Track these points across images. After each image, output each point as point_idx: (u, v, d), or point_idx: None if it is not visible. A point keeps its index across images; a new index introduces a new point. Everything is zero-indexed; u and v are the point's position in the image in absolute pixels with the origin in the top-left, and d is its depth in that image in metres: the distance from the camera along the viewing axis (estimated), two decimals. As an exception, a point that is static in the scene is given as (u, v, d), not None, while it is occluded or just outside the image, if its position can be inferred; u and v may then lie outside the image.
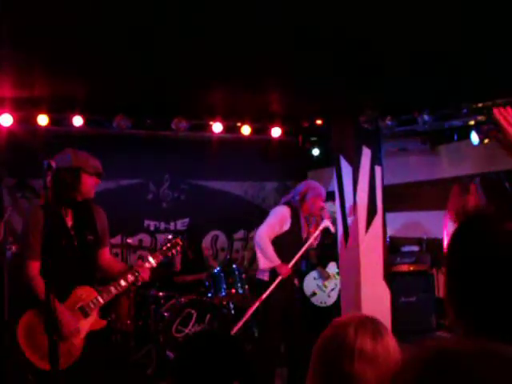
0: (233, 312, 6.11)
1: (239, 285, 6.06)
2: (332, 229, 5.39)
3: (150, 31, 3.53)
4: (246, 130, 6.42)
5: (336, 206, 5.74)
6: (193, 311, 5.66)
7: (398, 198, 6.64)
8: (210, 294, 5.98)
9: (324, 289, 6.88)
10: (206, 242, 7.62)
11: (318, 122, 6.54)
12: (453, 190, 5.54)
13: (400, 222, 6.84)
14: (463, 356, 0.71)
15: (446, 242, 5.43)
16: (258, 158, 7.48)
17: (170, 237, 4.07)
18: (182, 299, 5.69)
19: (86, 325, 3.46)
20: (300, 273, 6.45)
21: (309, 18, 3.32)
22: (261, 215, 7.80)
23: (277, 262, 5.02)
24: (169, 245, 3.93)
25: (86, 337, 3.46)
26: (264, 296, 4.96)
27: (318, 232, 5.23)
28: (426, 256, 6.43)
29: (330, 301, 6.81)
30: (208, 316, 5.70)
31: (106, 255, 3.79)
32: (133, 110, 5.76)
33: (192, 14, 3.23)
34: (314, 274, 6.94)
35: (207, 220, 7.48)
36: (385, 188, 5.78)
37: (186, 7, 3.14)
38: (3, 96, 5.05)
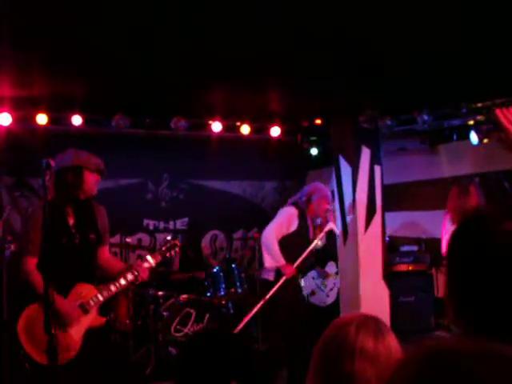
0: (232, 311, 6.11)
1: (238, 284, 6.05)
2: (337, 231, 5.41)
3: (150, 31, 3.53)
4: (245, 129, 6.42)
5: (335, 206, 5.74)
6: (192, 310, 5.66)
7: (397, 197, 6.64)
8: (209, 294, 5.98)
9: (323, 288, 6.88)
10: (206, 241, 7.62)
11: (318, 121, 6.54)
12: (452, 190, 5.55)
13: (399, 222, 6.85)
14: (463, 356, 0.71)
15: (444, 243, 5.44)
16: (257, 157, 7.48)
17: (168, 238, 4.09)
18: (181, 299, 5.69)
19: (85, 322, 3.49)
20: (303, 273, 6.47)
21: (309, 18, 3.32)
22: (260, 215, 7.83)
23: (282, 261, 5.04)
24: (168, 245, 3.95)
25: (85, 333, 3.49)
26: (268, 296, 4.97)
27: (322, 233, 5.25)
28: (425, 256, 6.43)
29: (329, 300, 6.80)
30: (207, 315, 5.70)
31: (106, 254, 3.82)
32: (132, 110, 5.75)
33: (192, 13, 3.23)
34: (313, 273, 6.94)
35: (206, 219, 7.47)
36: (384, 187, 5.78)
37: (185, 7, 3.14)
38: (2, 95, 5.05)
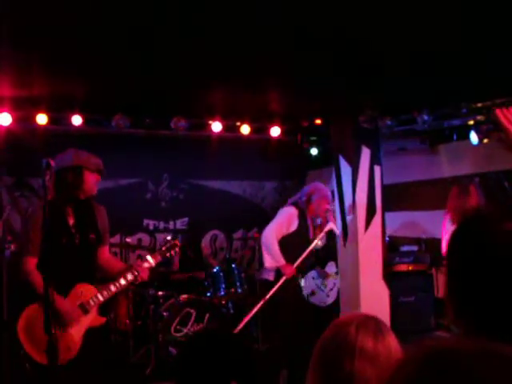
0: (232, 311, 6.11)
1: (238, 284, 6.06)
2: (337, 231, 5.42)
3: (150, 31, 3.53)
4: (245, 129, 6.42)
5: (335, 206, 5.74)
6: (192, 311, 5.66)
7: (397, 197, 6.64)
8: (209, 294, 5.98)
9: (323, 288, 6.87)
10: (206, 241, 7.62)
11: (318, 121, 6.54)
12: (452, 191, 5.55)
13: (399, 222, 6.85)
14: (463, 356, 0.71)
15: (444, 243, 5.44)
16: (257, 157, 7.47)
17: (168, 238, 4.09)
18: (181, 299, 5.69)
19: (85, 321, 3.50)
20: (304, 273, 6.47)
21: (309, 18, 3.32)
22: (260, 215, 7.82)
23: (282, 261, 5.04)
24: (168, 245, 3.96)
25: (85, 333, 3.49)
26: (268, 296, 4.97)
27: (322, 233, 5.25)
28: (425, 256, 6.43)
29: (329, 300, 6.79)
30: (207, 315, 5.70)
31: (106, 254, 3.82)
32: (132, 109, 5.75)
33: (192, 13, 3.23)
34: (312, 273, 6.93)
35: (206, 219, 7.47)
36: (384, 187, 5.78)
37: (185, 7, 3.14)
38: (2, 95, 5.05)
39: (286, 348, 5.20)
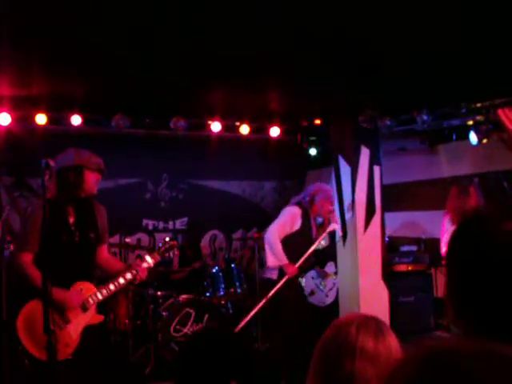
0: (231, 311, 6.11)
1: (238, 284, 6.06)
2: (339, 232, 5.42)
3: (150, 31, 3.53)
4: (244, 129, 6.42)
5: (335, 206, 5.74)
6: (191, 310, 5.66)
7: (396, 197, 6.64)
8: (208, 294, 5.98)
9: (322, 288, 6.88)
10: (205, 241, 7.62)
11: (317, 121, 6.54)
12: (451, 191, 5.55)
13: (398, 222, 6.85)
14: (463, 356, 0.71)
15: (443, 243, 5.45)
16: (256, 157, 7.47)
17: (167, 239, 4.11)
18: (181, 299, 5.69)
19: (83, 319, 3.53)
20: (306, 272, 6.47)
21: (309, 18, 3.33)
22: (259, 215, 7.82)
23: (284, 260, 5.05)
24: (166, 246, 3.97)
25: (84, 331, 3.52)
26: (270, 294, 4.97)
27: (325, 234, 5.26)
28: (425, 256, 6.43)
29: (328, 300, 6.79)
30: (206, 315, 5.70)
31: (104, 253, 3.84)
32: (132, 109, 5.75)
33: (192, 13, 3.23)
34: (312, 273, 6.94)
35: (206, 219, 7.47)
36: (384, 187, 5.78)
37: (185, 7, 3.14)
38: (1, 95, 5.05)
39: (286, 348, 5.20)
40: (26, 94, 5.01)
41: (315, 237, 5.29)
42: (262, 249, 6.82)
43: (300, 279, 5.53)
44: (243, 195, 7.87)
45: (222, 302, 6.00)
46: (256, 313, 5.14)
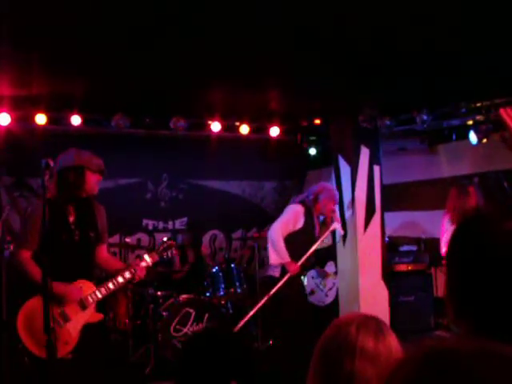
0: (231, 311, 6.11)
1: (238, 284, 6.06)
2: (341, 231, 5.43)
3: (150, 31, 3.53)
4: (244, 129, 6.42)
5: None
6: (191, 310, 5.66)
7: (396, 197, 6.65)
8: (208, 294, 5.98)
9: (322, 288, 6.89)
10: (205, 241, 7.62)
11: (317, 121, 6.54)
12: (451, 191, 5.55)
13: (398, 222, 6.85)
14: (463, 356, 0.71)
15: (443, 243, 5.45)
16: (256, 157, 7.47)
17: (165, 239, 4.14)
18: (181, 298, 5.69)
19: (83, 317, 3.55)
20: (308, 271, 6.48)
21: (309, 18, 3.33)
22: (259, 215, 7.82)
23: (287, 258, 5.06)
24: (164, 246, 4.00)
25: (83, 329, 3.54)
26: (272, 292, 4.98)
27: (328, 233, 5.27)
28: (425, 255, 6.44)
29: (328, 300, 6.81)
30: (206, 315, 5.70)
31: (104, 252, 3.87)
32: (131, 109, 5.75)
33: (192, 13, 3.23)
34: (312, 273, 6.95)
35: (206, 219, 7.47)
36: (383, 187, 5.79)
37: (185, 7, 3.14)
38: (1, 95, 5.05)
39: (286, 347, 5.21)
40: (25, 93, 5.01)
41: (318, 235, 5.30)
42: (261, 249, 6.83)
43: (302, 278, 5.54)
44: (243, 195, 7.87)
45: (222, 302, 6.00)
46: (257, 312, 5.15)
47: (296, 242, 5.14)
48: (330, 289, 6.88)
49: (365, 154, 5.69)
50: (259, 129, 6.58)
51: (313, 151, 7.10)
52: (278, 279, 5.07)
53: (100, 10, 3.18)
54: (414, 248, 6.64)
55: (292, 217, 5.22)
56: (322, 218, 5.36)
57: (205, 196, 7.53)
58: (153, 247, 6.87)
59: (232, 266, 6.27)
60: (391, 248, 6.45)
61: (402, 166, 6.85)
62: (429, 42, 3.80)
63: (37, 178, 5.68)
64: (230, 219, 7.68)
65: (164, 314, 5.61)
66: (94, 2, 3.11)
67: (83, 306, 3.55)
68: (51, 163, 3.16)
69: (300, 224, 5.20)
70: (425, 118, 5.65)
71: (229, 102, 5.66)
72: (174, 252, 4.07)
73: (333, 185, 5.80)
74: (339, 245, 5.78)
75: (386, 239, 6.00)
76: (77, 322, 3.51)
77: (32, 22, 3.30)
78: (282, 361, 5.17)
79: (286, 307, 5.12)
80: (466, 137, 5.80)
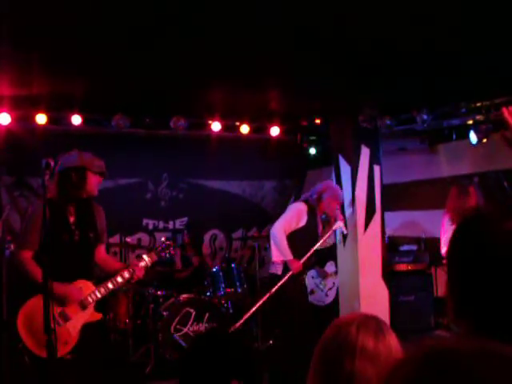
0: (231, 311, 6.11)
1: (238, 284, 6.06)
2: (344, 230, 5.43)
3: (150, 31, 3.54)
4: (244, 128, 6.42)
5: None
6: (191, 310, 5.66)
7: (396, 197, 6.65)
8: (208, 293, 5.98)
9: (322, 288, 6.89)
10: (205, 240, 7.62)
11: (317, 121, 6.54)
12: (451, 191, 5.55)
13: (398, 221, 6.85)
14: (463, 356, 0.71)
15: (443, 243, 5.45)
16: (256, 156, 7.47)
17: (163, 239, 4.16)
18: (181, 298, 5.69)
19: (83, 317, 3.57)
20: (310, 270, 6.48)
21: (309, 18, 3.33)
22: (260, 214, 7.83)
23: (289, 256, 5.06)
24: (163, 246, 4.03)
25: (82, 328, 3.55)
26: (273, 290, 4.98)
27: (330, 232, 5.27)
28: (425, 255, 6.44)
29: (328, 300, 6.81)
30: (207, 315, 5.71)
31: (102, 252, 3.91)
32: (132, 109, 5.75)
33: (192, 13, 3.23)
34: (312, 272, 6.95)
35: (206, 219, 7.47)
36: (384, 187, 5.79)
37: (185, 7, 3.14)
38: (1, 94, 5.05)
39: (287, 347, 5.21)
40: (26, 93, 5.02)
41: (321, 234, 5.30)
42: (262, 248, 6.84)
43: (306, 276, 5.53)
44: (243, 195, 7.87)
45: (223, 302, 6.00)
46: (258, 311, 5.15)
47: (298, 241, 5.14)
48: (330, 288, 6.88)
49: (365, 153, 5.69)
50: (259, 128, 6.58)
51: (313, 151, 7.10)
52: (280, 277, 5.08)
53: (100, 10, 3.18)
54: (414, 248, 6.64)
55: (295, 215, 5.22)
56: (324, 216, 5.36)
57: (205, 196, 7.53)
58: (153, 247, 6.87)
59: (232, 265, 6.27)
60: (391, 248, 6.45)
61: (402, 166, 6.85)
62: (429, 42, 3.80)
63: (37, 178, 5.69)
64: (231, 219, 7.68)
65: (164, 313, 5.61)
66: (94, 2, 3.11)
67: (83, 305, 3.57)
68: (51, 163, 3.17)
69: (303, 222, 5.20)
70: (425, 117, 5.65)
71: (229, 101, 5.66)
72: (172, 252, 4.09)
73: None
74: (339, 245, 5.78)
75: (386, 239, 6.00)
76: (76, 321, 3.53)
77: (32, 22, 3.30)
78: (282, 361, 5.17)
79: (290, 307, 5.12)
80: (466, 136, 5.80)
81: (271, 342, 6.14)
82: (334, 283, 6.81)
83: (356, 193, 5.65)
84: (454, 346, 0.74)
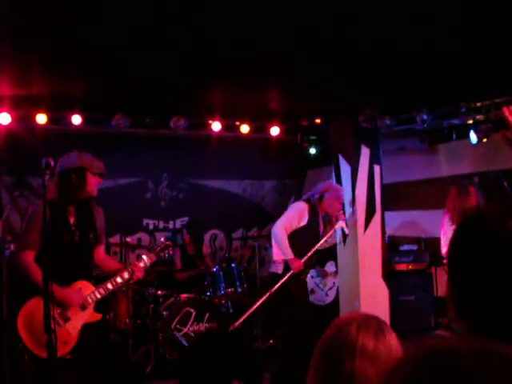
0: (231, 311, 6.11)
1: (238, 283, 6.06)
2: (346, 230, 5.43)
3: (150, 31, 3.54)
4: (244, 128, 6.42)
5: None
6: (192, 310, 5.67)
7: (396, 196, 6.65)
8: (208, 293, 5.98)
9: (322, 287, 6.89)
10: (205, 240, 7.62)
11: (317, 120, 6.55)
12: (451, 191, 5.55)
13: (399, 221, 6.85)
14: (463, 355, 0.71)
15: (443, 242, 5.45)
16: (256, 156, 7.47)
17: (162, 239, 4.17)
18: (181, 298, 5.70)
19: (82, 317, 3.58)
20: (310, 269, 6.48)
21: (309, 18, 3.33)
22: (260, 214, 7.83)
23: (290, 255, 5.06)
24: (162, 246, 4.04)
25: (82, 329, 3.56)
26: (274, 288, 4.98)
27: (332, 231, 5.27)
28: (425, 255, 6.44)
29: (328, 299, 6.80)
30: (207, 315, 5.71)
31: (101, 253, 3.92)
32: (132, 109, 5.75)
33: (192, 13, 3.23)
34: (312, 272, 6.95)
35: (206, 219, 7.47)
36: (384, 187, 5.79)
37: (185, 7, 3.15)
38: (2, 94, 5.05)
39: (287, 347, 5.21)
40: (26, 93, 5.02)
41: (322, 234, 5.30)
42: (262, 248, 6.84)
43: (307, 275, 5.53)
44: (243, 194, 7.87)
45: (223, 302, 6.01)
46: (258, 310, 5.15)
47: (300, 240, 5.14)
48: (330, 288, 6.87)
49: (365, 153, 5.69)
50: (259, 128, 6.58)
51: (313, 151, 7.11)
52: (281, 276, 5.08)
53: (100, 10, 3.18)
54: (414, 247, 6.64)
55: (296, 214, 5.23)
56: (328, 217, 5.36)
57: (205, 195, 7.53)
58: (153, 247, 6.86)
59: (232, 265, 6.27)
60: (391, 247, 6.45)
61: (402, 166, 6.85)
62: (429, 42, 3.80)
63: (37, 178, 5.69)
64: (231, 219, 7.68)
65: (164, 313, 5.62)
66: (94, 2, 3.11)
67: (82, 306, 3.58)
68: (51, 162, 3.18)
69: (304, 221, 5.20)
70: (425, 117, 5.65)
71: (229, 101, 5.66)
72: (171, 252, 4.11)
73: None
74: (340, 244, 5.78)
75: (387, 239, 6.00)
76: (76, 321, 3.54)
77: (32, 22, 3.30)
78: (282, 361, 5.17)
79: (291, 305, 5.12)
80: (466, 136, 5.80)
81: (271, 341, 6.15)
82: (334, 283, 6.81)
83: (356, 193, 5.65)
84: (453, 345, 0.74)
